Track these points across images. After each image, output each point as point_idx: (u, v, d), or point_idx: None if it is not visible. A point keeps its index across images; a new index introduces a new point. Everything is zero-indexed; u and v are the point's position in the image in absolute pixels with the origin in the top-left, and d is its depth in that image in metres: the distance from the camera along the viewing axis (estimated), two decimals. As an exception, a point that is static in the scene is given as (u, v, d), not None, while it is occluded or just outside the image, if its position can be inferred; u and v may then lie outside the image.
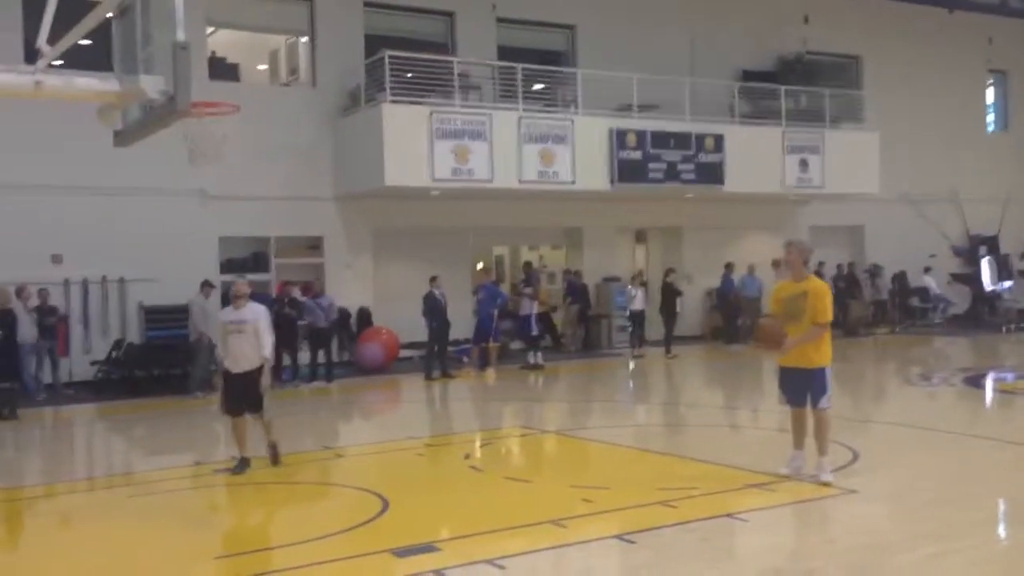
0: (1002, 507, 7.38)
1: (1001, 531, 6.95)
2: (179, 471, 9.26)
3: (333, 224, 17.91)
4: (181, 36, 5.96)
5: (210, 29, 17.23)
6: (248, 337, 8.43)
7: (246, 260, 17.46)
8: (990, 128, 27.26)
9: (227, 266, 16.88)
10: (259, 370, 8.51)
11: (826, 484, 7.42)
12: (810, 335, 7.53)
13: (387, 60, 16.38)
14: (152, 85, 6.29)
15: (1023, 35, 26.67)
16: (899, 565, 5.74)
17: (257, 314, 8.56)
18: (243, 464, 8.62)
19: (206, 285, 14.84)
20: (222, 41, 17.90)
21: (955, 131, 25.03)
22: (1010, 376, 15.44)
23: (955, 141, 24.85)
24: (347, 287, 17.69)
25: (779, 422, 10.45)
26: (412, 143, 16.41)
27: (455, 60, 17.81)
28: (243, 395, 8.54)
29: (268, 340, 8.53)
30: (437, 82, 16.92)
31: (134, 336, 15.91)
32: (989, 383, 14.56)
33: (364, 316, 17.76)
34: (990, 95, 27.24)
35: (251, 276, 16.87)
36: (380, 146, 16.26)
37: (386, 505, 7.37)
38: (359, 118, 17.22)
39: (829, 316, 7.53)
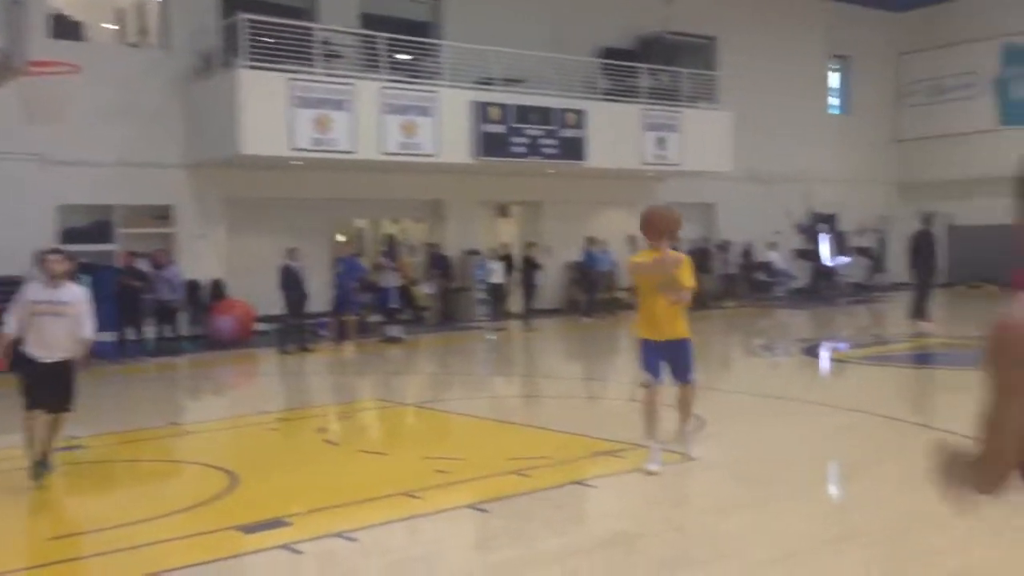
0: (833, 467, 7.84)
1: (832, 489, 7.37)
2: (11, 451, 8.77)
3: (184, 193, 17.22)
4: (13, -11, 5.58)
5: (50, -17, 16.22)
6: (66, 321, 7.30)
7: (88, 230, 16.57)
8: (833, 111, 28.64)
9: (66, 236, 15.98)
10: (71, 360, 7.39)
11: (696, 459, 7.36)
12: (682, 294, 7.15)
13: (244, 23, 15.82)
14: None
15: (864, 22, 28.10)
16: (740, 524, 6.00)
17: (78, 296, 7.45)
18: (43, 466, 7.28)
19: (41, 256, 14.00)
20: (65, -3, 16.88)
21: (801, 113, 26.19)
22: (844, 346, 16.34)
23: (801, 123, 26.01)
24: (199, 259, 17.08)
25: (630, 392, 10.75)
26: (270, 111, 15.93)
27: (317, 27, 17.36)
28: (54, 388, 7.30)
29: (90, 323, 7.43)
30: (297, 49, 16.46)
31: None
32: (825, 353, 15.36)
33: (218, 288, 17.22)
34: (834, 79, 28.60)
35: (94, 247, 16.23)
36: (235, 113, 15.71)
37: (235, 481, 7.20)
38: (213, 83, 16.59)
39: (692, 281, 7.22)
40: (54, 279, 7.43)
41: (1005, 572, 5.06)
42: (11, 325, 7.33)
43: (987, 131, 26.58)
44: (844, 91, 28.80)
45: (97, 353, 14.39)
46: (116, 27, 18.20)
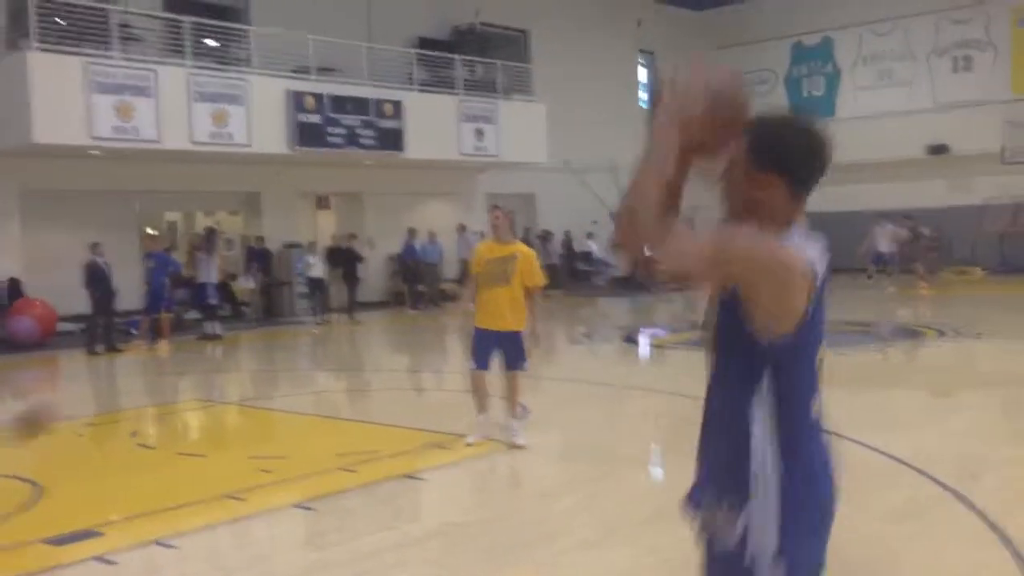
0: (652, 447, 8.18)
1: (651, 468, 7.69)
2: None
3: (-30, 185, 15.98)
4: None
5: None
6: None
7: None
8: (643, 104, 29.77)
9: None
10: None
11: (520, 447, 7.51)
12: (533, 303, 7.49)
13: (33, 2, 14.77)
14: None
15: (669, 20, 29.36)
16: (565, 508, 6.17)
17: None
18: None
19: None
20: None
21: (612, 105, 27.10)
22: (662, 332, 17.05)
23: (612, 115, 26.90)
24: (-8, 255, 15.90)
25: (459, 383, 10.81)
26: (65, 97, 14.99)
27: (114, 8, 16.44)
28: None
29: None
30: (93, 31, 15.54)
31: None
32: (644, 339, 15.98)
33: (14, 287, 16.06)
34: (643, 74, 29.74)
35: None
36: (26, 98, 14.70)
37: (40, 492, 6.75)
38: (0, 66, 15.43)
39: (542, 279, 7.56)
40: None
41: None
42: None
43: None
44: (651, 85, 30.00)
45: None
46: None
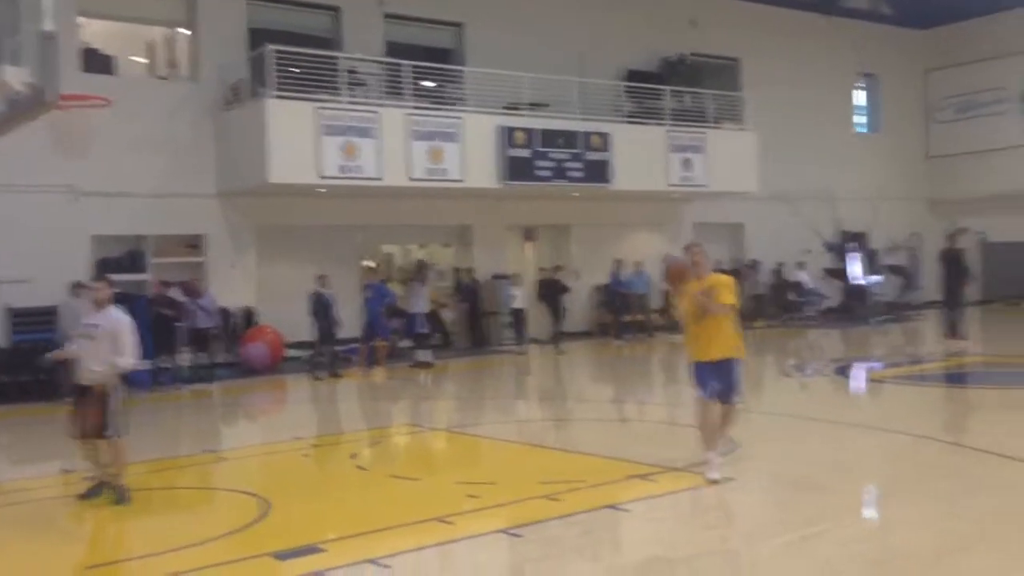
0: (870, 490, 7.73)
1: (869, 512, 7.26)
2: (47, 480, 8.87)
3: (215, 222, 17.40)
4: (49, 26, 5.69)
5: (83, 19, 16.53)
6: (99, 344, 7.44)
7: (121, 259, 16.77)
8: (860, 130, 28.48)
9: (101, 266, 16.20)
10: (104, 386, 7.47)
11: (714, 482, 7.41)
12: (721, 307, 7.57)
13: (271, 54, 16.02)
14: (17, 76, 6.00)
15: (891, 40, 27.99)
16: (774, 548, 5.93)
17: (116, 321, 7.55)
18: (97, 488, 7.57)
19: (77, 286, 14.24)
20: (97, 32, 17.18)
21: (828, 132, 26.08)
22: (878, 365, 16.15)
23: (828, 142, 25.90)
24: (231, 286, 17.22)
25: (665, 415, 10.70)
26: (298, 139, 16.08)
27: (342, 56, 17.56)
28: (87, 413, 7.46)
29: (128, 351, 7.49)
30: (323, 78, 16.64)
31: (1, 340, 15.14)
32: (859, 373, 15.19)
33: (249, 316, 17.36)
34: (860, 97, 28.46)
35: (127, 276, 16.44)
36: (264, 142, 15.87)
37: (268, 508, 7.21)
38: (242, 113, 16.80)
39: (733, 299, 7.65)
40: (97, 304, 7.72)
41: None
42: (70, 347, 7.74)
43: (1018, 146, 26.33)
44: (871, 109, 28.66)
45: (132, 381, 14.68)
46: (146, 60, 18.53)
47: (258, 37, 17.16)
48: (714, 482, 7.36)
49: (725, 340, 7.62)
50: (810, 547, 5.93)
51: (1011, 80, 27.21)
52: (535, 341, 19.38)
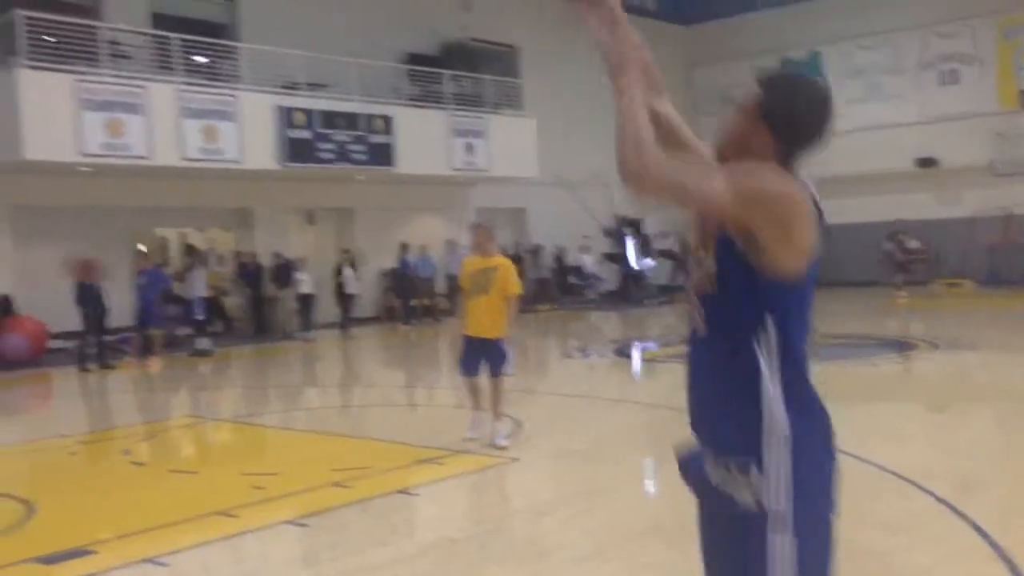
0: (645, 462, 8.18)
1: (646, 483, 7.68)
2: None
3: (-39, 202, 15.92)
4: None
5: None
6: None
7: None
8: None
9: None
10: None
11: (502, 447, 7.87)
12: (512, 310, 8.02)
13: (21, 19, 14.78)
14: None
15: (656, 34, 29.42)
16: (557, 523, 6.16)
17: None
18: None
19: None
20: None
21: (602, 120, 27.05)
22: (653, 345, 17.07)
23: (602, 129, 26.80)
24: (-18, 273, 15.83)
25: (452, 399, 10.82)
26: (55, 113, 14.99)
27: (103, 25, 16.45)
28: None
29: None
30: (83, 48, 15.54)
31: None
32: (635, 353, 16.00)
33: (5, 304, 15.99)
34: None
35: None
36: (16, 115, 14.68)
37: (32, 510, 6.71)
38: (-9, 84, 15.42)
39: (518, 288, 8.11)
40: None
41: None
42: None
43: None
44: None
45: None
46: None
47: (6, 1, 15.75)
48: (500, 447, 7.88)
49: (489, 318, 7.95)
50: (589, 519, 6.20)
51: (766, 76, 29.41)
52: (321, 326, 19.04)
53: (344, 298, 18.65)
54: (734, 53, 29.70)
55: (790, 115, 2.21)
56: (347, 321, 18.69)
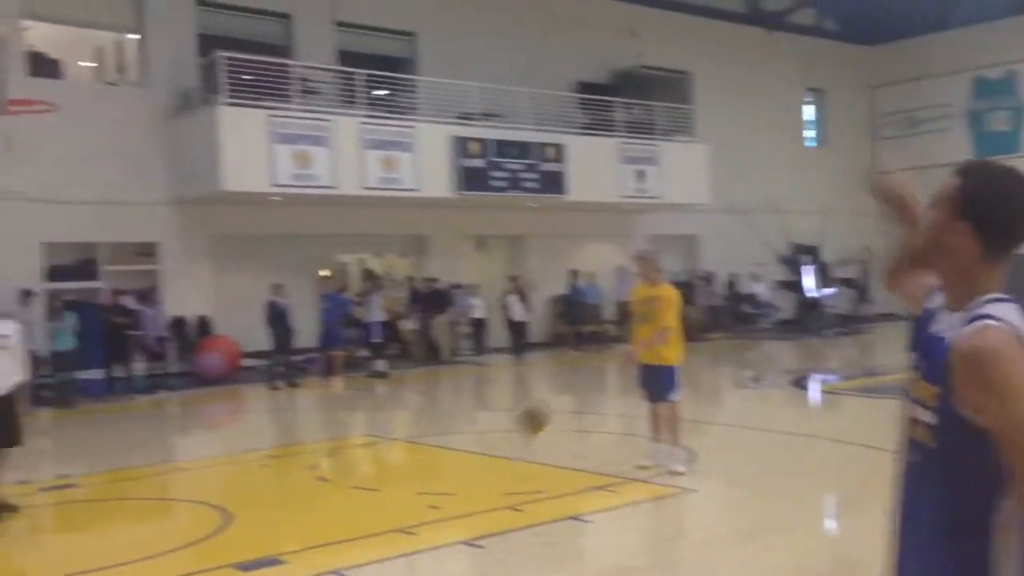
0: (827, 500, 7.85)
1: (827, 522, 7.38)
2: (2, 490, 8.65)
3: (168, 229, 17.16)
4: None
5: (29, 23, 16.22)
6: (7, 355, 7.24)
7: (73, 267, 16.51)
8: (809, 144, 28.99)
9: (52, 273, 15.93)
10: (12, 395, 7.28)
11: (678, 473, 7.85)
12: (655, 338, 8.07)
13: (222, 61, 15.88)
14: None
15: (837, 56, 28.56)
16: (734, 558, 6.01)
17: (14, 329, 7.44)
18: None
19: (25, 294, 13.97)
20: (43, 36, 16.87)
21: (777, 145, 26.50)
22: (832, 377, 16.40)
23: (778, 155, 26.31)
24: (185, 295, 16.99)
25: (624, 425, 10.76)
26: (250, 147, 15.95)
27: (294, 63, 17.45)
28: (3, 423, 7.22)
29: (25, 358, 7.48)
30: (275, 85, 16.53)
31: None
32: (813, 385, 15.42)
33: (204, 325, 17.13)
34: (808, 112, 28.98)
35: (80, 284, 16.19)
36: (216, 150, 15.72)
37: (229, 519, 7.14)
38: (193, 120, 16.60)
39: (670, 320, 8.08)
40: None
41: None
42: None
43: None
44: (819, 123, 29.18)
45: (86, 390, 14.44)
46: (95, 65, 18.25)
47: (208, 43, 16.98)
48: (676, 474, 7.91)
49: (652, 345, 8.09)
50: (769, 557, 6.01)
51: (955, 97, 27.92)
52: (492, 351, 19.36)
53: (512, 324, 18.86)
54: (921, 73, 28.39)
55: (996, 209, 1.96)
56: (518, 346, 18.89)
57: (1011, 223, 1.98)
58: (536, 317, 21.29)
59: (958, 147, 27.60)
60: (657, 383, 8.11)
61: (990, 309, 1.93)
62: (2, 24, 5.12)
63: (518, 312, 18.56)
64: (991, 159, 2.10)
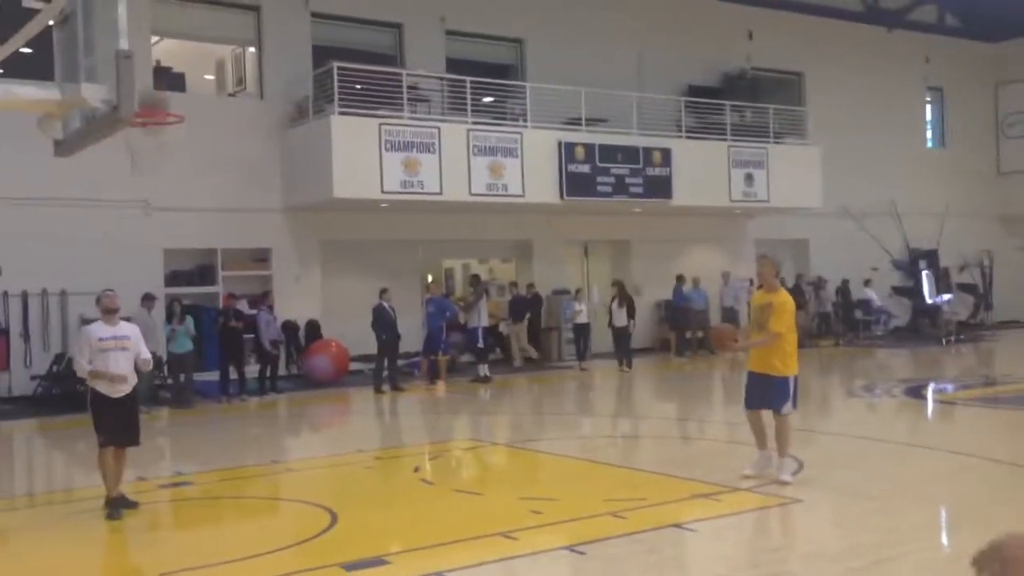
0: (943, 514, 7.54)
1: (942, 538, 7.09)
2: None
3: (281, 236, 17.74)
4: (125, 44, 5.85)
5: (155, 38, 17.01)
6: (130, 355, 7.70)
7: (192, 272, 17.23)
8: (929, 144, 27.94)
9: (172, 278, 16.66)
10: (134, 393, 7.78)
11: (785, 483, 7.73)
12: (762, 341, 7.94)
13: (336, 71, 16.30)
14: (94, 94, 6.16)
15: (959, 54, 27.44)
16: (841, 571, 5.83)
17: (135, 331, 7.93)
18: (120, 504, 7.60)
19: (147, 298, 14.62)
20: (168, 50, 17.68)
21: (895, 147, 25.62)
22: (950, 387, 15.76)
23: (894, 157, 25.44)
24: (296, 300, 17.52)
25: (727, 433, 10.58)
26: (361, 155, 16.33)
27: (404, 72, 17.78)
28: (126, 422, 7.66)
29: (147, 355, 7.95)
30: (386, 94, 16.87)
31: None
32: (930, 394, 14.85)
33: (313, 329, 17.60)
34: (928, 112, 27.94)
35: (198, 289, 16.87)
36: (328, 158, 16.15)
37: (335, 519, 7.30)
38: (307, 129, 17.11)
39: (779, 327, 7.88)
40: (111, 313, 7.84)
41: None
42: (83, 364, 7.65)
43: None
44: (938, 123, 28.10)
45: (202, 392, 15.03)
46: (215, 78, 19.00)
47: (322, 54, 17.48)
48: (782, 483, 7.77)
49: (762, 352, 7.99)
50: (876, 570, 5.82)
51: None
52: (596, 356, 19.29)
53: (615, 330, 18.72)
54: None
55: None
56: (620, 352, 18.72)
57: None
58: (641, 322, 21.11)
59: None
60: (766, 394, 7.94)
61: None
62: (131, 39, 5.39)
63: (619, 318, 18.42)
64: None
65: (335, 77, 16.27)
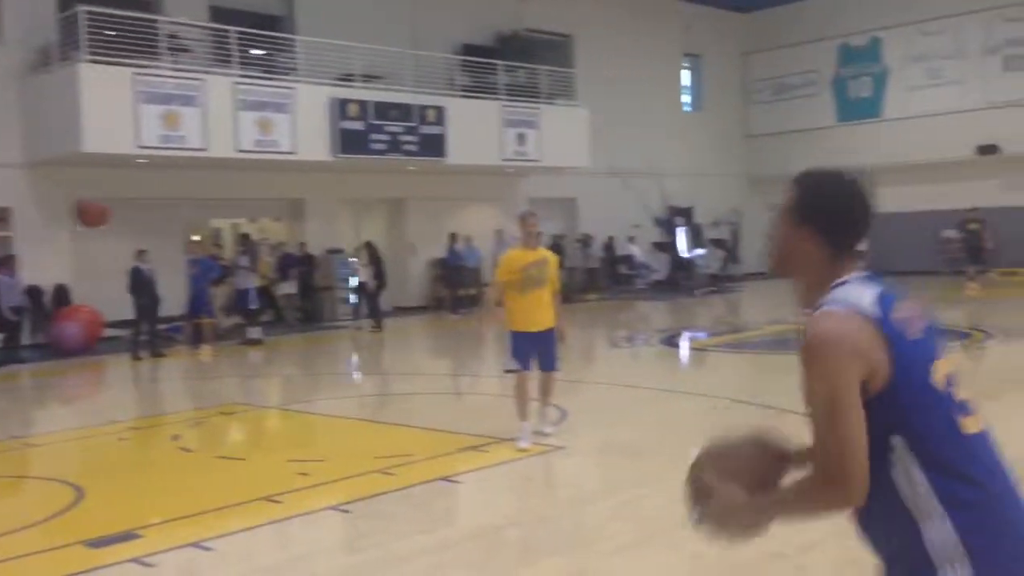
0: (692, 450, 8.04)
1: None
2: None
3: (23, 193, 16.27)
4: None
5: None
6: None
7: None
8: (686, 108, 29.55)
9: None
10: None
11: (547, 435, 7.88)
12: (558, 304, 7.94)
13: (83, 15, 15.05)
14: None
15: (716, 23, 29.13)
16: (601, 511, 6.10)
17: None
18: None
19: None
20: None
21: (656, 110, 26.92)
22: (702, 335, 16.88)
23: (656, 119, 26.73)
24: (42, 262, 16.16)
25: (497, 387, 10.79)
26: (114, 107, 15.22)
27: (162, 19, 16.69)
28: None
29: None
30: (142, 42, 15.77)
31: None
32: (683, 342, 15.83)
33: (62, 294, 16.34)
34: (686, 77, 29.52)
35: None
36: (77, 109, 14.93)
37: (82, 494, 6.83)
38: (52, 78, 15.72)
39: (557, 283, 8.03)
40: None
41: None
42: None
43: (827, 127, 28.07)
44: (695, 88, 29.76)
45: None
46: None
47: (69, -3, 16.07)
48: (523, 451, 7.54)
49: (547, 311, 7.84)
50: (634, 509, 6.13)
51: (822, 64, 28.89)
52: (370, 315, 19.12)
53: (364, 288, 18.54)
54: (791, 40, 29.27)
55: (830, 210, 2.13)
56: (372, 311, 18.40)
57: (845, 221, 2.14)
58: (415, 281, 21.16)
59: (824, 112, 28.69)
60: (552, 349, 7.86)
61: (831, 295, 2.07)
62: None
63: (364, 275, 18.34)
64: (820, 168, 2.22)
65: (83, 22, 15.01)
